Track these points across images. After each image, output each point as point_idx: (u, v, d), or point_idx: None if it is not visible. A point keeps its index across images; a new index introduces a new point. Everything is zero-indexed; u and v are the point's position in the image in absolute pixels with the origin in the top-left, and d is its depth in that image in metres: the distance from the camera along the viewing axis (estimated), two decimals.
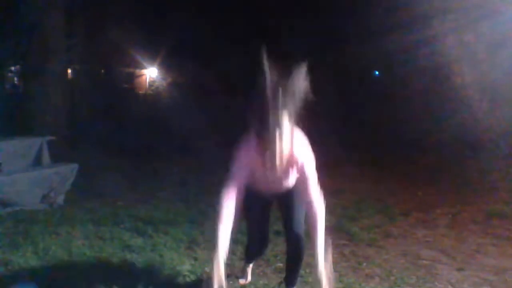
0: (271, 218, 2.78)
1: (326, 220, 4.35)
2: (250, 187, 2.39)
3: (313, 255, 2.27)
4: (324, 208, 2.37)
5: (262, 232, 2.74)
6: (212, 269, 2.10)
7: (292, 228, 2.55)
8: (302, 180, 2.37)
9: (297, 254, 2.60)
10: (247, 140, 2.28)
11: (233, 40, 13.36)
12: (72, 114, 7.90)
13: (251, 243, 2.84)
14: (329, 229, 4.04)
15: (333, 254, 3.46)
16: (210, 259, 2.29)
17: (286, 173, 2.35)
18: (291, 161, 2.27)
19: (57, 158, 5.17)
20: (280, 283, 2.82)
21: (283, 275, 2.78)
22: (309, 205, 2.36)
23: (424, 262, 3.38)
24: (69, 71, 11.76)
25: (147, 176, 6.12)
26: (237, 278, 2.96)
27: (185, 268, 3.12)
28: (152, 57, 17.62)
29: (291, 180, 2.45)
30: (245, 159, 2.30)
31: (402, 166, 7.35)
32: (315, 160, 2.42)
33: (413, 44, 9.20)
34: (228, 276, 3.00)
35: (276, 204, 2.70)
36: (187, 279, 2.99)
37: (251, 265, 3.00)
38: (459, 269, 3.24)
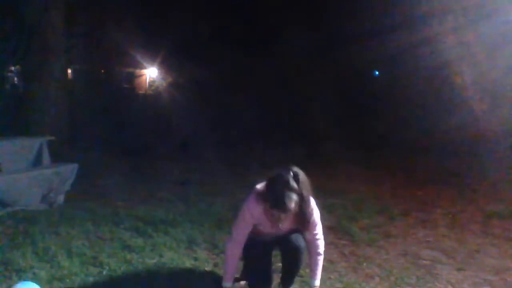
0: (272, 260, 2.83)
1: (326, 220, 4.36)
2: (252, 232, 2.60)
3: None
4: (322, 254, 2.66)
5: (265, 270, 2.71)
6: None
7: (290, 239, 2.60)
8: (309, 231, 2.59)
9: (295, 260, 2.64)
10: (252, 202, 2.50)
11: (233, 40, 13.36)
12: (72, 114, 7.89)
13: (255, 279, 2.78)
14: (329, 229, 4.07)
15: (333, 254, 3.48)
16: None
17: (291, 227, 2.60)
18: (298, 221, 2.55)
19: (57, 158, 5.17)
20: (279, 283, 2.82)
21: None
22: (312, 242, 2.61)
23: (424, 262, 3.37)
24: (69, 71, 11.75)
25: (147, 176, 6.12)
26: (237, 279, 2.95)
27: (185, 268, 3.12)
28: (152, 57, 17.59)
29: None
30: (250, 219, 2.53)
31: (402, 166, 7.35)
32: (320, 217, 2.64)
33: (413, 44, 9.22)
34: None
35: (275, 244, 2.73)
36: (187, 279, 2.99)
37: None
38: (459, 269, 3.24)
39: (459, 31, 8.33)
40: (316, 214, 2.58)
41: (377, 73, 15.43)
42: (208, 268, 3.15)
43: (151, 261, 3.21)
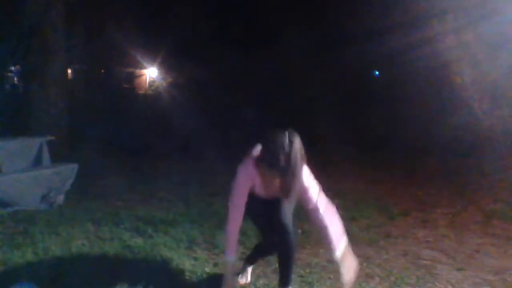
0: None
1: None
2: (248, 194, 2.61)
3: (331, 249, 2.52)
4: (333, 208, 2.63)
5: (272, 223, 2.71)
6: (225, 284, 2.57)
7: (280, 220, 2.62)
8: (303, 191, 2.52)
9: (286, 246, 2.63)
10: (248, 162, 2.53)
11: (233, 40, 13.37)
12: (72, 114, 7.89)
13: (267, 239, 2.82)
14: None
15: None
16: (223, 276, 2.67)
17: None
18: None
19: (57, 158, 5.17)
20: (278, 283, 2.82)
21: None
22: (315, 211, 2.55)
23: (424, 262, 3.37)
24: (69, 71, 11.76)
25: (147, 176, 6.12)
26: (237, 277, 2.96)
27: (185, 268, 3.12)
28: (152, 57, 17.63)
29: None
30: (247, 180, 2.55)
31: (402, 166, 7.34)
32: (311, 169, 2.62)
33: (413, 44, 9.21)
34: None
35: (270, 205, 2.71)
36: (187, 279, 2.99)
37: (252, 266, 3.00)
38: (459, 269, 3.24)
39: (459, 31, 8.32)
40: (306, 178, 2.54)
41: (377, 73, 15.44)
42: (208, 268, 3.15)
43: (151, 261, 3.21)
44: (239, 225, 2.60)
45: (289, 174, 2.38)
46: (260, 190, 2.61)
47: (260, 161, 2.45)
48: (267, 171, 2.42)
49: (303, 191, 2.52)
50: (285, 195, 2.48)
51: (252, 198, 2.61)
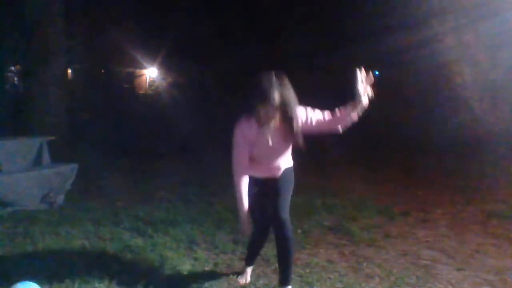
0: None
1: (326, 220, 4.36)
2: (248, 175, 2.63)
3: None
4: None
5: (263, 217, 2.73)
6: (240, 222, 2.58)
7: (277, 213, 2.62)
8: (311, 124, 2.59)
9: (283, 239, 2.62)
10: (241, 122, 2.55)
11: (232, 40, 13.37)
12: (72, 114, 7.89)
13: (255, 232, 2.83)
14: (329, 229, 4.07)
15: (333, 254, 3.48)
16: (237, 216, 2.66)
17: (282, 143, 2.60)
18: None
19: (57, 158, 5.18)
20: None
21: None
22: (330, 123, 2.68)
23: (424, 262, 3.37)
24: (69, 71, 11.77)
25: (147, 176, 6.12)
26: (237, 278, 2.96)
27: (185, 268, 3.12)
28: (152, 57, 17.62)
29: (286, 156, 2.70)
30: (243, 140, 2.54)
31: (402, 166, 7.34)
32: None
33: (413, 44, 9.21)
34: (228, 276, 3.02)
35: (266, 194, 2.72)
36: (187, 279, 2.99)
37: (251, 266, 3.00)
38: (459, 269, 3.24)
39: (459, 31, 8.33)
40: (302, 111, 2.58)
41: (377, 73, 15.43)
42: (208, 268, 3.15)
43: (151, 261, 3.21)
44: (245, 179, 2.58)
45: (287, 108, 2.44)
46: (259, 151, 2.58)
47: (253, 105, 2.44)
48: (262, 111, 2.43)
49: (311, 125, 2.58)
50: (290, 129, 2.50)
51: (249, 183, 2.60)
